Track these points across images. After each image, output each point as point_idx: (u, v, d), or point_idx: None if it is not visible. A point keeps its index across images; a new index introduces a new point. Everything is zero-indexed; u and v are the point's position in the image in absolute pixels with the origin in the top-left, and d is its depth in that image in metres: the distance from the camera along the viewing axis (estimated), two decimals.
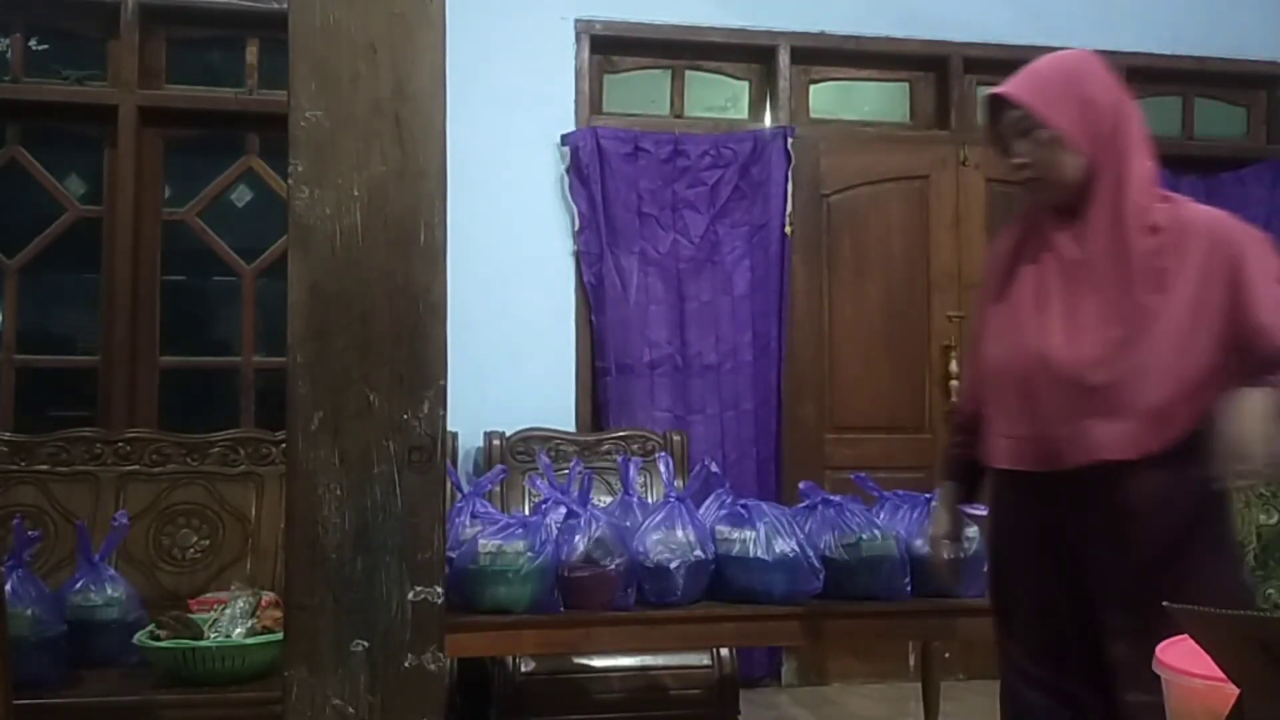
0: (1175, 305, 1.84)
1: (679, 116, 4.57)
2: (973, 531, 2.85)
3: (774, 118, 4.54)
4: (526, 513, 3.38)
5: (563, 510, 2.70)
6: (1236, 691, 1.41)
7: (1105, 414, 1.85)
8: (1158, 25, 4.77)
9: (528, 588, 2.54)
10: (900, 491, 2.97)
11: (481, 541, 2.56)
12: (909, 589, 2.77)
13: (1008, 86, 1.97)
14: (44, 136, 4.22)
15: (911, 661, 4.27)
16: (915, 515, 2.86)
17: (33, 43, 4.21)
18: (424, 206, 1.54)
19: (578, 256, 4.27)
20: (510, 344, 4.15)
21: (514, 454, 3.92)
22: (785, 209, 4.38)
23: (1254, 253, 1.85)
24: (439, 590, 1.50)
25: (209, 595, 2.87)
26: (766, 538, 2.67)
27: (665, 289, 4.28)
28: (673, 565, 2.64)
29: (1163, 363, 1.83)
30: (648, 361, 4.24)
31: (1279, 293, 1.82)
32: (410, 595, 1.49)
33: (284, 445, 2.27)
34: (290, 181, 1.54)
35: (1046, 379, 1.90)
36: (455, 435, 3.75)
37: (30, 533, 2.69)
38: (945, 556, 2.33)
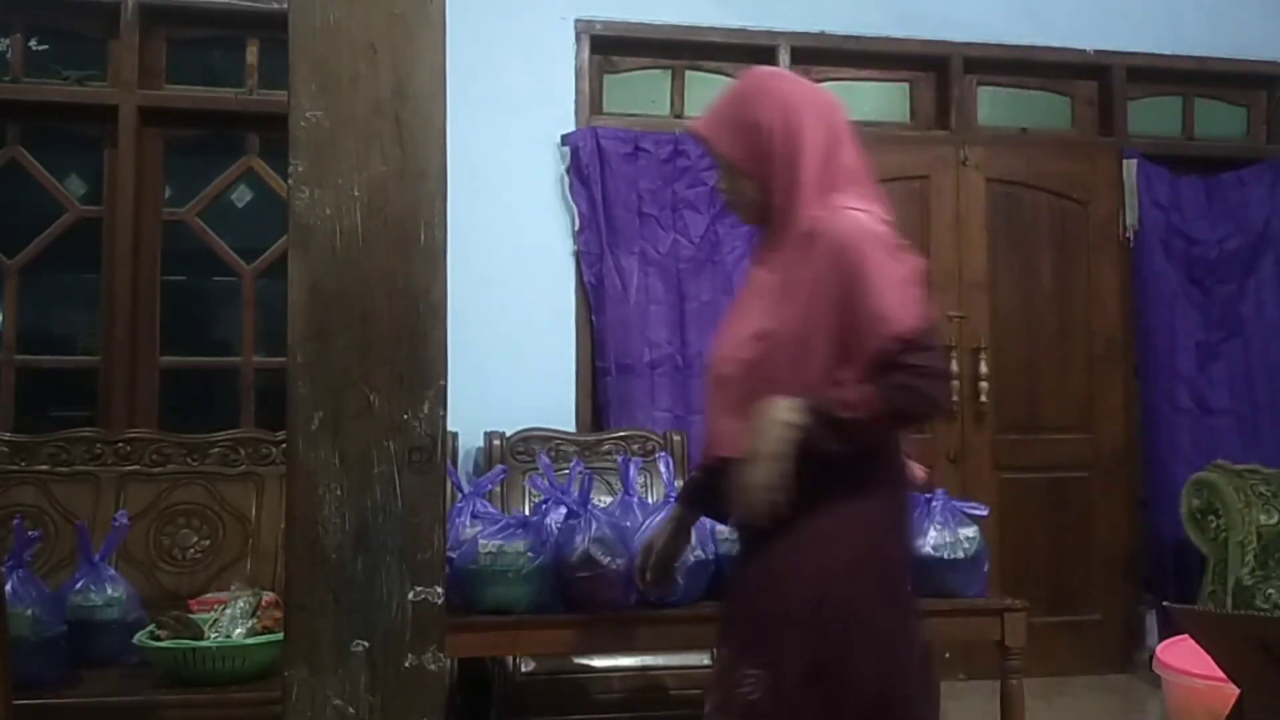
0: (796, 312, 1.89)
1: (679, 116, 4.56)
2: (972, 531, 2.85)
3: None
4: (527, 513, 3.38)
5: (563, 510, 2.70)
6: (1236, 691, 1.41)
7: (734, 413, 1.92)
8: (1158, 25, 4.77)
9: (528, 588, 2.54)
10: None
11: (482, 541, 2.56)
12: None
13: (698, 119, 2.07)
14: (44, 136, 4.22)
15: None
16: (915, 515, 2.86)
17: (33, 43, 4.21)
18: (424, 207, 1.54)
19: (578, 256, 4.27)
20: (510, 344, 4.15)
21: (514, 454, 3.92)
22: None
23: (873, 257, 1.86)
24: (439, 590, 1.50)
25: (209, 595, 2.87)
26: None
27: (665, 289, 4.28)
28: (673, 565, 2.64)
29: (782, 367, 1.88)
30: (648, 361, 4.24)
31: (896, 295, 1.85)
32: (410, 595, 1.49)
33: (284, 445, 2.26)
34: (290, 181, 1.54)
35: (708, 382, 2.04)
36: (455, 435, 3.75)
37: (30, 533, 2.68)
38: (644, 576, 2.34)
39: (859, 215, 1.89)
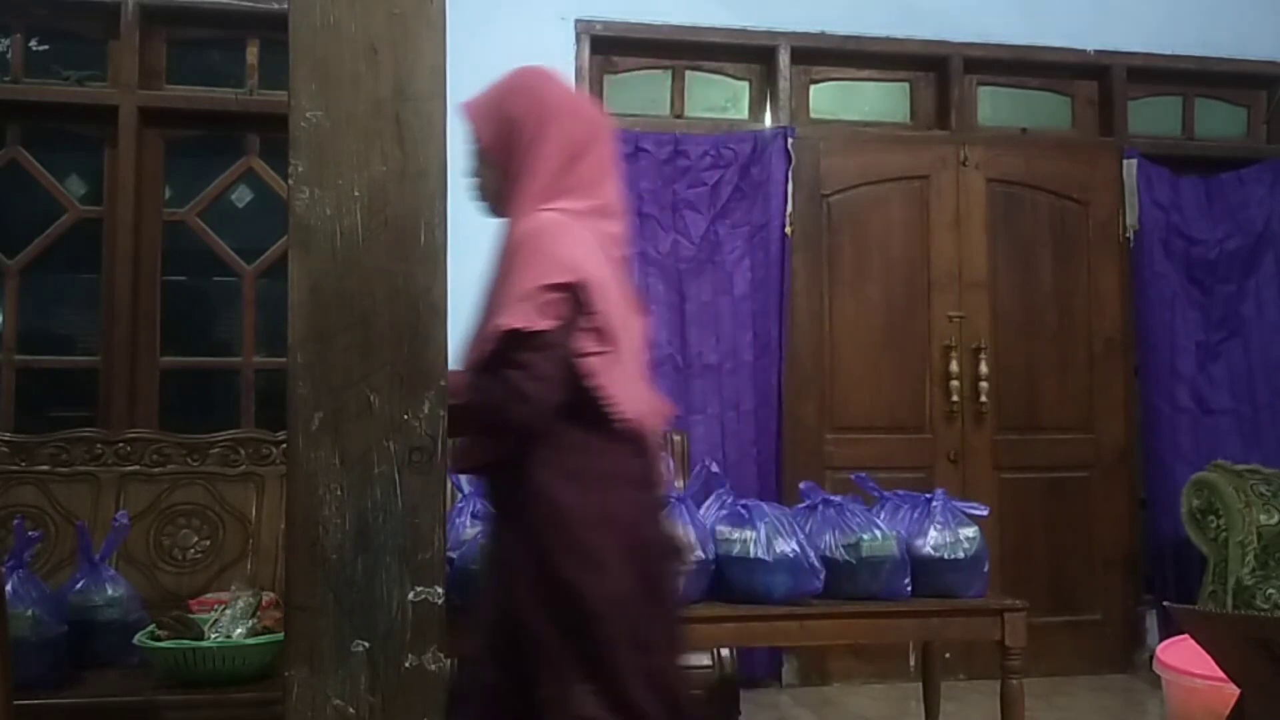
0: (489, 311, 1.92)
1: (679, 117, 4.57)
2: (972, 531, 2.86)
3: (774, 118, 4.55)
4: None
5: None
6: (1237, 692, 1.41)
7: None
8: (1158, 25, 4.77)
9: None
10: (900, 491, 2.98)
11: (482, 542, 2.56)
12: (909, 589, 2.78)
13: (472, 98, 2.06)
14: (44, 137, 4.22)
15: (911, 661, 4.28)
16: (915, 515, 2.87)
17: (33, 43, 4.21)
18: (424, 207, 1.54)
19: None
20: None
21: None
22: (785, 209, 4.38)
23: (520, 263, 1.87)
24: (439, 590, 1.50)
25: (210, 595, 2.87)
26: (767, 538, 2.68)
27: (666, 289, 4.28)
28: None
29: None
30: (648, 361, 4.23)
31: (514, 303, 1.83)
32: (411, 595, 1.49)
33: (284, 445, 2.26)
34: (290, 182, 1.54)
35: None
36: None
37: (31, 533, 2.69)
38: None
39: (546, 218, 1.90)
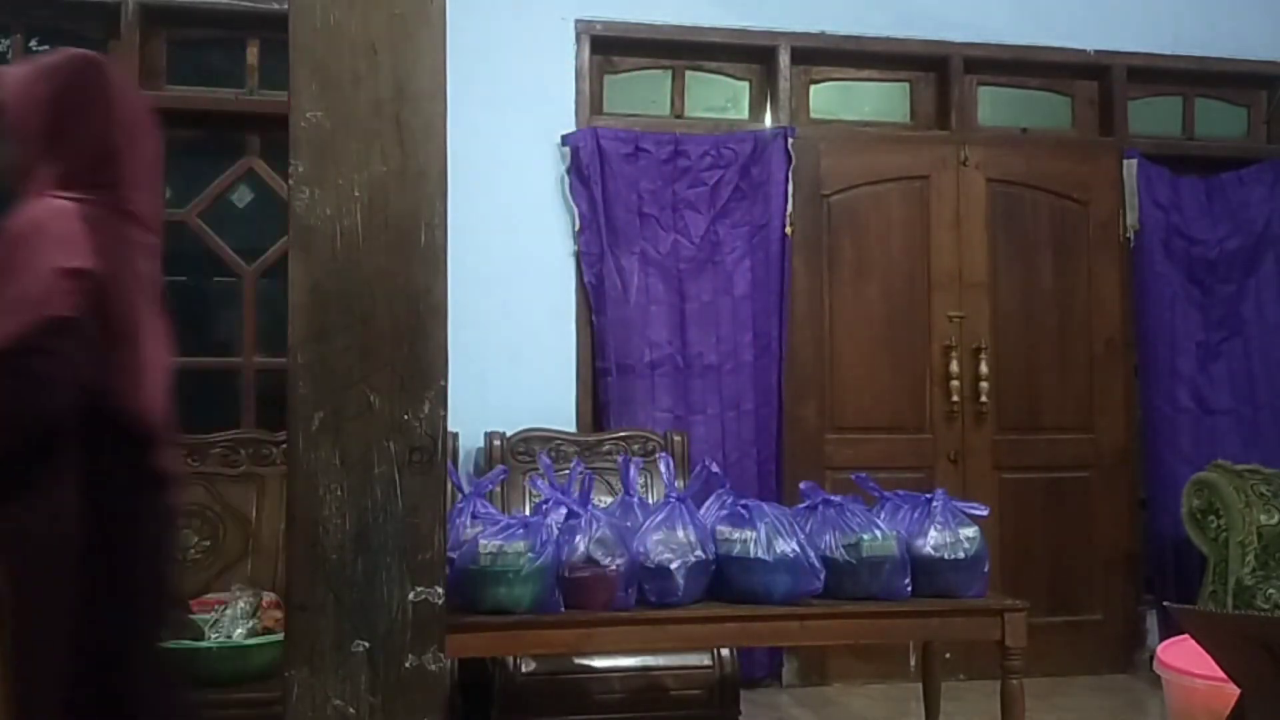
0: None
1: (679, 117, 4.57)
2: (972, 531, 2.86)
3: (774, 118, 4.55)
4: (527, 513, 3.38)
5: (563, 510, 2.70)
6: (1237, 692, 1.41)
7: None
8: (1158, 25, 4.77)
9: (528, 588, 2.54)
10: (901, 492, 2.98)
11: (482, 542, 2.56)
12: (909, 589, 2.78)
13: (11, 67, 1.99)
14: None
15: (912, 661, 4.27)
16: (916, 515, 2.87)
17: (33, 43, 4.21)
18: (424, 207, 1.54)
19: (578, 257, 4.27)
20: (511, 344, 4.15)
21: (514, 454, 3.92)
22: (785, 209, 4.38)
23: (19, 255, 1.77)
24: (439, 590, 1.50)
25: (210, 596, 2.87)
26: (767, 538, 2.68)
27: (666, 289, 4.28)
28: (673, 565, 2.65)
29: None
30: (648, 362, 4.24)
31: (34, 289, 1.73)
32: (411, 595, 1.49)
33: (285, 446, 2.26)
34: (291, 182, 1.54)
35: None
36: (456, 435, 3.75)
37: None
38: None
39: (58, 205, 1.82)
